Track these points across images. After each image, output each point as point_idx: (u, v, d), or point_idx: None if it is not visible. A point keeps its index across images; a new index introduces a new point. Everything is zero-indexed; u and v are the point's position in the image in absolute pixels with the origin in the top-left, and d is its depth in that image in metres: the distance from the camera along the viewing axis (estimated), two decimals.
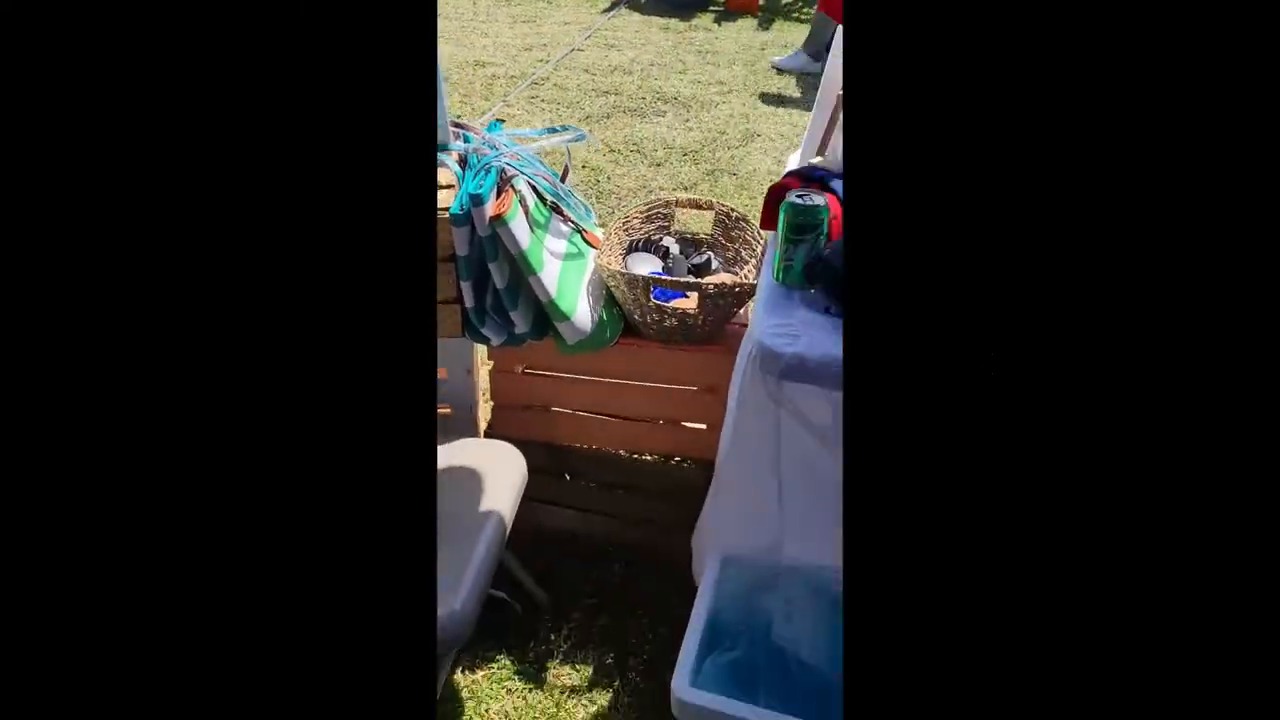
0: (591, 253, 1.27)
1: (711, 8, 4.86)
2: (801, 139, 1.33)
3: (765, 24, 4.62)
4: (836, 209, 1.02)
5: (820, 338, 0.94)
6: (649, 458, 1.53)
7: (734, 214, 1.40)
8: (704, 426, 1.37)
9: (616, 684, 1.25)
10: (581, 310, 1.19)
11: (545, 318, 1.18)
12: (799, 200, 0.96)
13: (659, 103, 3.46)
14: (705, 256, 1.36)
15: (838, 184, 1.08)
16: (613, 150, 3.05)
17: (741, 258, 1.34)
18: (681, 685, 0.99)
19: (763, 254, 1.25)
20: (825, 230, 0.97)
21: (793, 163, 1.31)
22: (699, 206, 1.44)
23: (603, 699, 1.23)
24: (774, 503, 1.12)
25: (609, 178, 2.76)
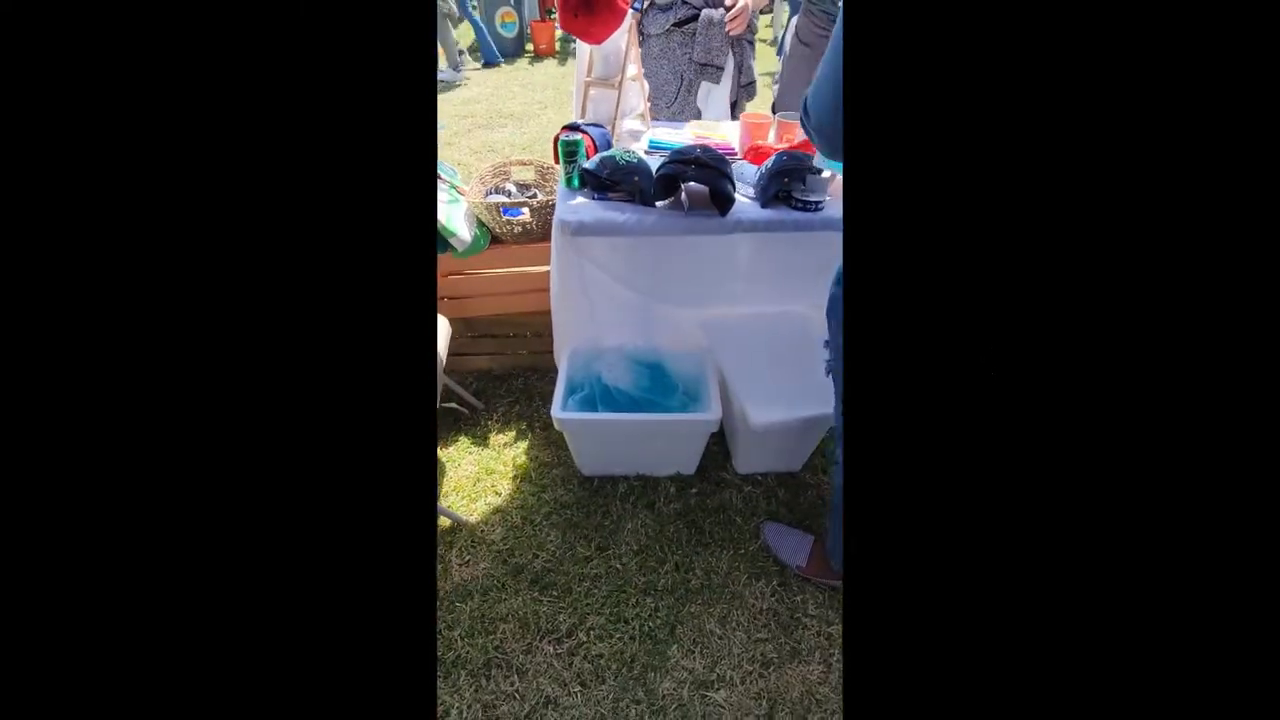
0: (461, 198, 1.51)
1: (525, 54, 5.64)
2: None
3: (562, 61, 5.42)
4: (588, 140, 1.33)
5: (592, 209, 1.24)
6: (524, 313, 1.69)
7: (545, 167, 1.66)
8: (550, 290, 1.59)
9: (529, 432, 1.61)
10: (462, 231, 1.44)
11: (443, 239, 1.43)
12: (565, 138, 1.29)
13: (500, 118, 4.04)
14: (531, 191, 1.64)
15: (588, 127, 1.38)
16: (474, 151, 3.49)
17: (551, 189, 1.61)
18: (556, 411, 1.33)
19: None
20: (582, 153, 1.29)
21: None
22: (524, 164, 1.69)
23: (523, 442, 1.59)
24: (588, 315, 1.44)
25: (474, 170, 3.06)
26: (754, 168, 1.34)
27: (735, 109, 1.85)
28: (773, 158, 1.28)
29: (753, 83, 1.85)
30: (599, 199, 1.30)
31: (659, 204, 1.28)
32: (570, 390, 1.42)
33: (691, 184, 1.25)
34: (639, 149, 1.42)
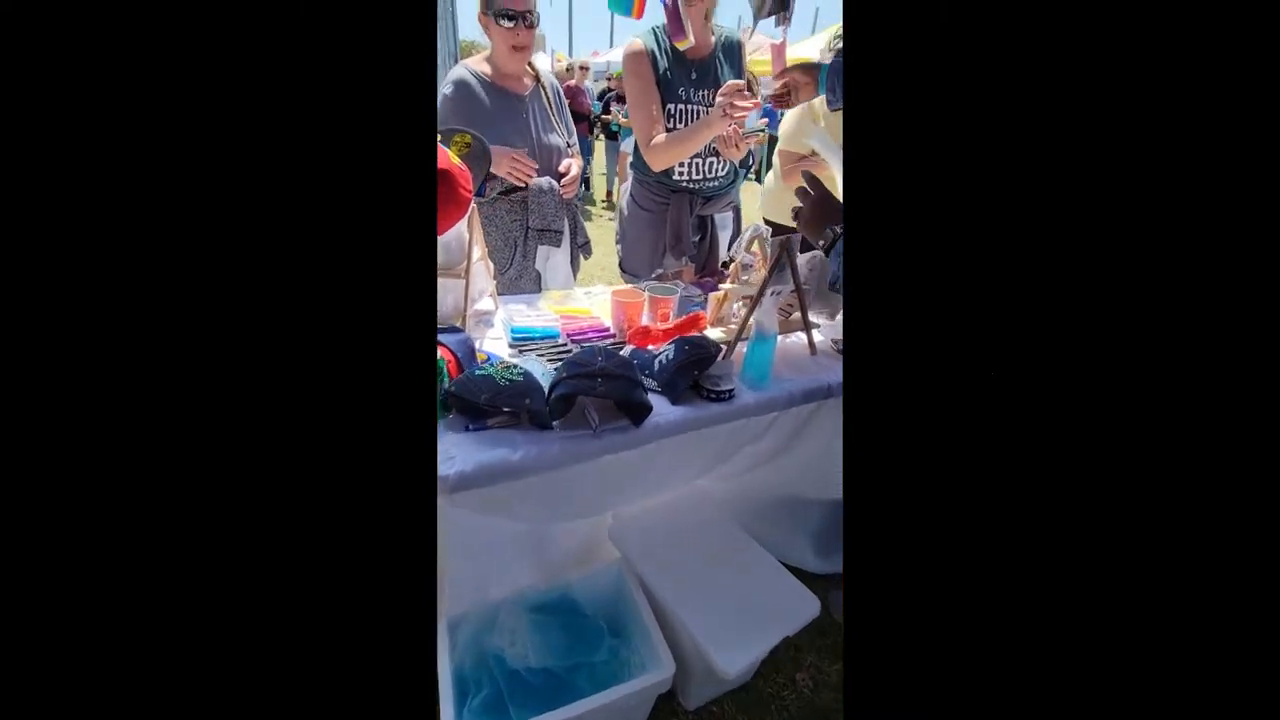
0: None
1: None
2: None
3: None
4: (447, 354, 1.03)
5: (469, 450, 0.93)
6: None
7: None
8: None
9: None
10: None
11: None
12: None
13: None
14: None
15: (444, 337, 1.12)
16: None
17: None
18: None
19: None
20: (443, 374, 0.99)
21: None
22: None
23: None
24: (469, 573, 1.07)
25: None
26: (645, 353, 1.16)
27: (575, 268, 1.75)
28: (672, 346, 1.11)
29: (588, 242, 1.76)
30: (474, 429, 1.00)
31: (556, 424, 1.01)
32: (461, 690, 1.01)
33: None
34: (507, 353, 1.15)
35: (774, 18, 1.36)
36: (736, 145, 1.44)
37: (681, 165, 1.56)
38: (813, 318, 1.27)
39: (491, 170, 1.41)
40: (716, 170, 1.61)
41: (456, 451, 0.95)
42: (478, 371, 0.99)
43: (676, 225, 1.60)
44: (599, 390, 0.98)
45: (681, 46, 1.44)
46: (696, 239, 1.68)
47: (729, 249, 1.67)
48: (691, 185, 1.60)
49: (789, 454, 1.27)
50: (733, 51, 1.58)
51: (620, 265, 1.79)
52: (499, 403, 0.96)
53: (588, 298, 1.49)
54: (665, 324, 1.26)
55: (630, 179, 1.74)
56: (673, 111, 1.51)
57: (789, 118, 1.91)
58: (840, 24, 1.85)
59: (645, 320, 1.32)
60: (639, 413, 1.02)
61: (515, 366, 1.01)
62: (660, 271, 1.61)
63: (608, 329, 1.33)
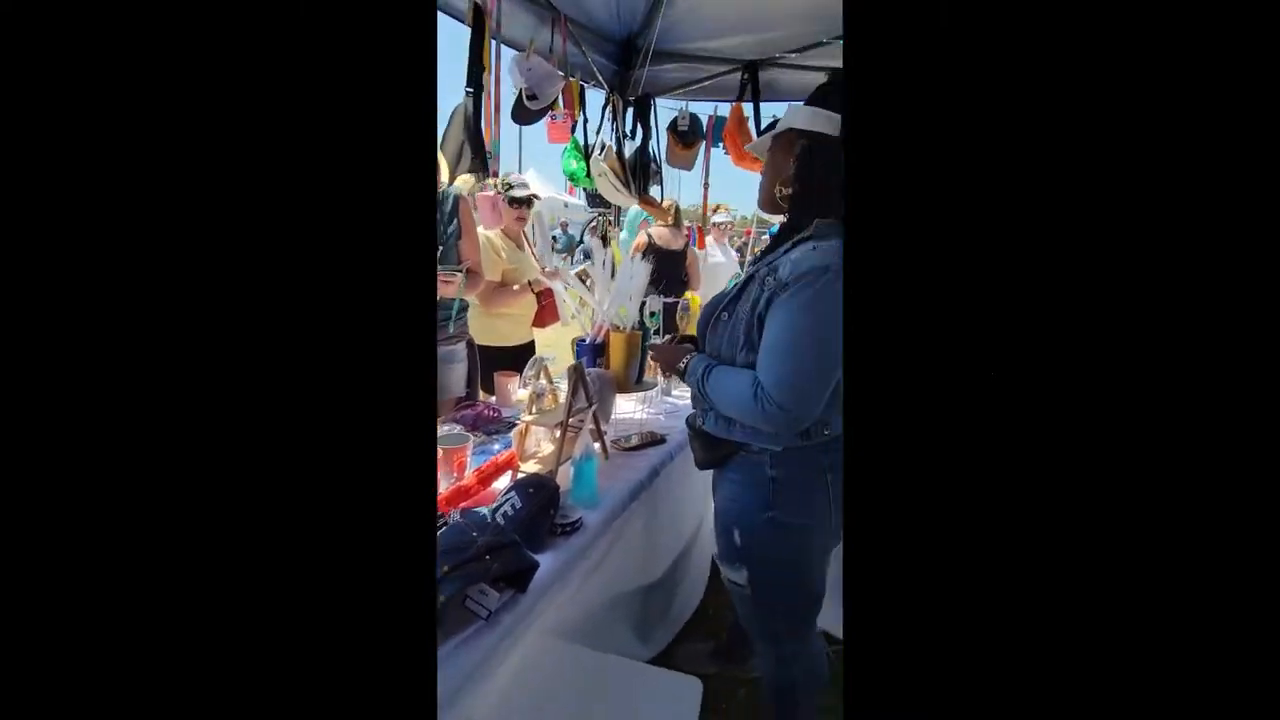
0: None
1: None
2: None
3: None
4: None
5: None
6: None
7: None
8: None
9: None
10: None
11: None
12: None
13: None
14: None
15: None
16: None
17: None
18: None
19: None
20: None
21: None
22: None
23: None
24: None
25: None
26: (477, 513, 1.07)
27: None
28: (513, 494, 1.08)
29: None
30: None
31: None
32: None
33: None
34: None
35: None
36: None
37: None
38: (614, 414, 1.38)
39: None
40: None
41: None
42: None
43: None
44: (495, 571, 0.87)
45: None
46: None
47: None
48: None
49: (612, 552, 1.33)
50: None
51: None
52: None
53: None
54: (472, 477, 1.17)
55: None
56: None
57: None
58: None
59: (441, 481, 1.19)
60: (529, 576, 0.95)
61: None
62: None
63: None
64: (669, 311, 1.66)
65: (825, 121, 0.88)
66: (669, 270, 3.23)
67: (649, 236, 3.14)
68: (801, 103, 0.94)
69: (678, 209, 3.33)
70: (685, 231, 3.19)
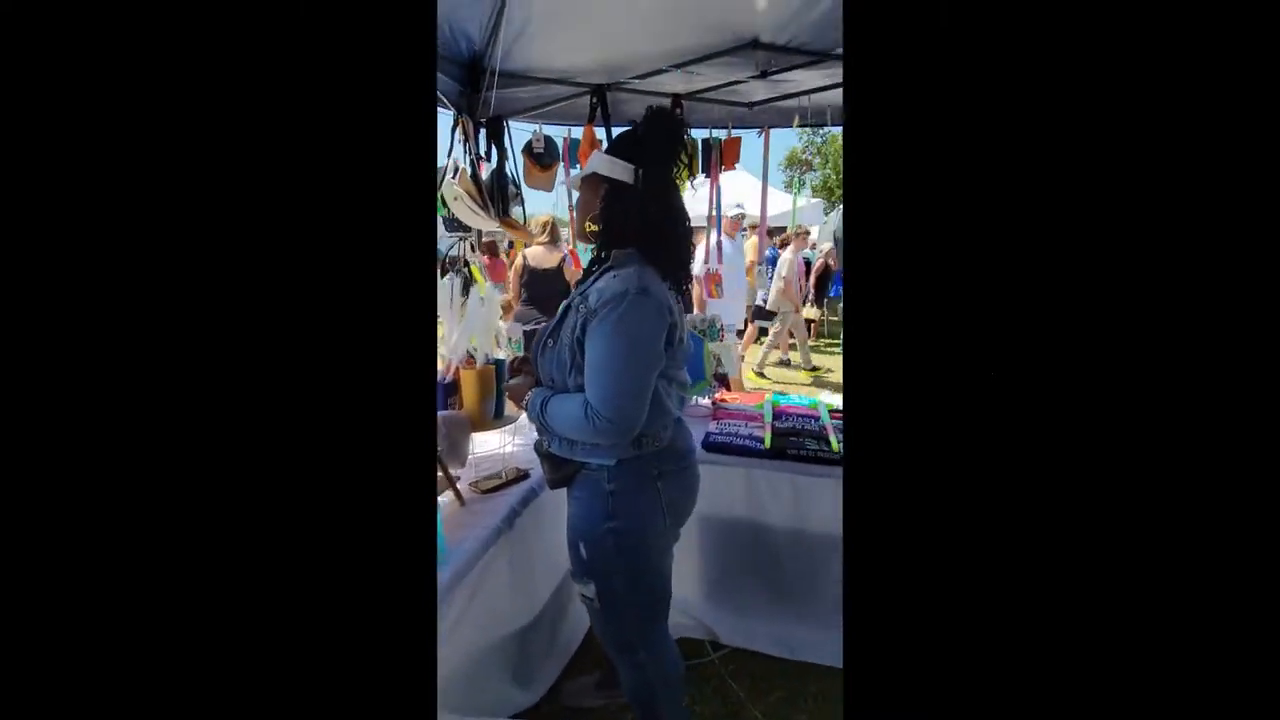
0: None
1: None
2: None
3: None
4: None
5: None
6: None
7: None
8: None
9: None
10: None
11: None
12: None
13: None
14: None
15: None
16: None
17: None
18: None
19: None
20: None
21: None
22: None
23: None
24: None
25: None
26: None
27: None
28: None
29: None
30: None
31: None
32: None
33: None
34: None
35: None
36: None
37: None
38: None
39: None
40: None
41: None
42: None
43: None
44: None
45: None
46: None
47: None
48: None
49: (473, 606, 1.27)
50: None
51: None
52: None
53: None
54: None
55: None
56: None
57: None
58: None
59: None
60: None
61: None
62: None
63: None
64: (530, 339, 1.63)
65: (622, 170, 1.01)
66: (545, 288, 3.20)
67: (524, 258, 3.10)
68: (604, 151, 1.05)
69: (554, 224, 3.32)
70: (564, 248, 3.19)
